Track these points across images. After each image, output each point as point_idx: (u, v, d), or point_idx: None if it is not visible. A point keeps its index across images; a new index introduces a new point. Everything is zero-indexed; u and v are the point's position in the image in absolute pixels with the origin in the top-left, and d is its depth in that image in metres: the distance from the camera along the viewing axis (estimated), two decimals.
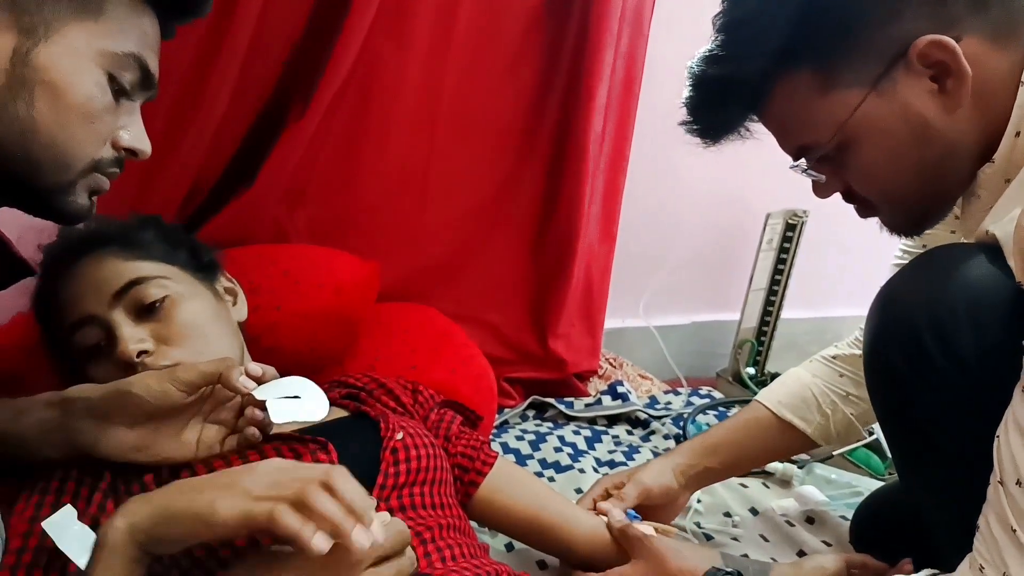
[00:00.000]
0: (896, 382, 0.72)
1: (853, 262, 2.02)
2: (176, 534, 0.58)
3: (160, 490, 0.62)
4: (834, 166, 0.78)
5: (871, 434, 1.45)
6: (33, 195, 0.63)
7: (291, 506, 0.55)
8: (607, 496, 1.03)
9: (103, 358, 0.78)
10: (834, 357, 1.11)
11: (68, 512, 0.69)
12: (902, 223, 0.81)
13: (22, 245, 0.59)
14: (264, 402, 0.73)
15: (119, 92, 0.65)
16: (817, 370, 1.10)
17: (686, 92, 0.81)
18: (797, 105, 0.75)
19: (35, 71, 0.59)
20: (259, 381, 0.73)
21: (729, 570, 0.79)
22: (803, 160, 0.79)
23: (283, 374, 0.78)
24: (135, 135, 0.67)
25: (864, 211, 0.81)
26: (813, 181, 0.81)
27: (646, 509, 1.03)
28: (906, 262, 0.82)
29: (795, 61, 0.73)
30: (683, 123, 0.82)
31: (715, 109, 0.80)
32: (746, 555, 1.05)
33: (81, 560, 0.66)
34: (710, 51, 0.78)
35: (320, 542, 0.54)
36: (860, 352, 0.84)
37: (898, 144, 0.73)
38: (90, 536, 0.69)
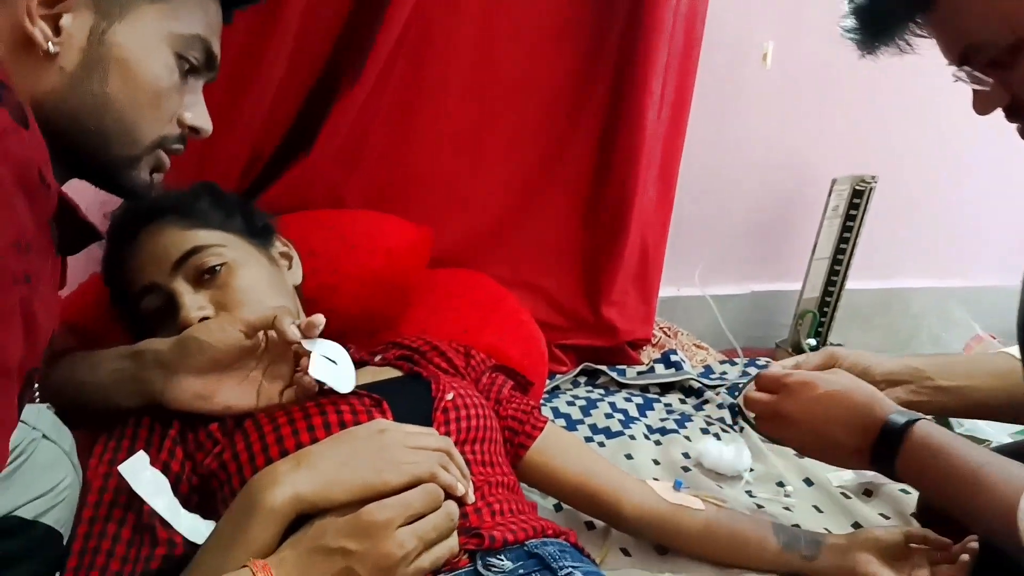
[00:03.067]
0: None
1: (924, 230, 1.95)
2: (339, 499, 0.66)
3: (307, 460, 0.68)
4: (1005, 70, 0.71)
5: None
6: (100, 168, 0.67)
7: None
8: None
9: (167, 322, 0.83)
10: None
11: (141, 457, 0.74)
12: None
13: (89, 215, 0.63)
14: (309, 353, 0.77)
15: (185, 72, 0.68)
16: None
17: None
18: None
19: (110, 49, 0.62)
20: (307, 335, 0.77)
21: (910, 418, 0.74)
22: (966, 67, 0.73)
23: (338, 337, 0.82)
24: (198, 114, 0.71)
25: None
26: (975, 92, 0.75)
27: None
28: None
29: None
30: (843, 20, 0.77)
31: (882, 5, 0.75)
32: (797, 525, 1.04)
33: (155, 502, 0.71)
34: None
35: (471, 493, 0.73)
36: None
37: None
38: (162, 480, 0.74)
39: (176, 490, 0.75)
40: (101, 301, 0.94)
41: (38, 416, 0.68)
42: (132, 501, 0.72)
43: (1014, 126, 0.76)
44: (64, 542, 0.69)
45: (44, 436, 0.68)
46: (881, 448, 0.76)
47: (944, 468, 0.70)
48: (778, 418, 0.88)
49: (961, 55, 0.74)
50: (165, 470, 0.76)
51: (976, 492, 0.67)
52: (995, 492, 0.65)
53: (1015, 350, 0.95)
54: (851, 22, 0.77)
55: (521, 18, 1.28)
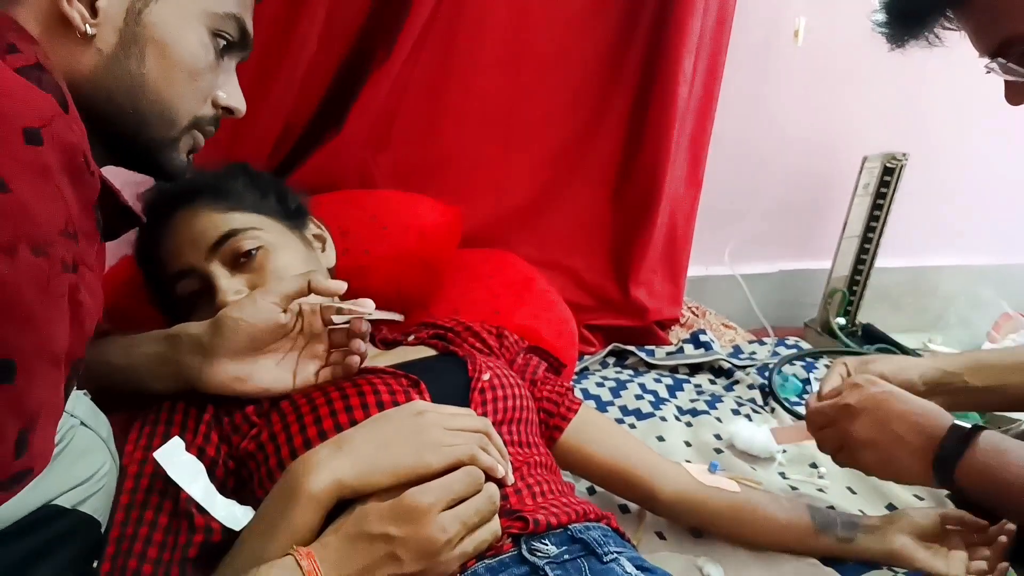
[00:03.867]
0: None
1: (954, 209, 1.91)
2: (380, 483, 0.65)
3: (347, 445, 0.67)
4: None
5: None
6: (137, 150, 0.66)
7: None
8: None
9: (203, 306, 0.82)
10: None
11: (176, 443, 0.73)
12: None
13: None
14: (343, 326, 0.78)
15: (220, 51, 0.67)
16: None
17: None
18: None
19: (146, 29, 0.61)
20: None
21: (970, 426, 0.73)
22: (1000, 59, 0.72)
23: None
24: (232, 93, 0.70)
25: None
26: (1008, 83, 0.74)
27: None
28: None
29: None
30: (874, 14, 0.77)
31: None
32: (832, 507, 1.03)
33: (191, 489, 0.70)
34: None
35: (510, 474, 0.71)
36: None
37: None
38: (197, 465, 0.73)
39: (212, 475, 0.74)
40: (134, 283, 0.93)
41: (75, 402, 0.67)
42: (168, 487, 0.71)
43: None
44: (102, 530, 0.68)
45: (82, 423, 0.67)
46: (945, 455, 0.75)
47: (1011, 475, 0.68)
48: (847, 448, 0.85)
49: (996, 47, 0.73)
50: (200, 455, 0.75)
51: None
52: None
53: None
54: (882, 16, 0.76)
55: None
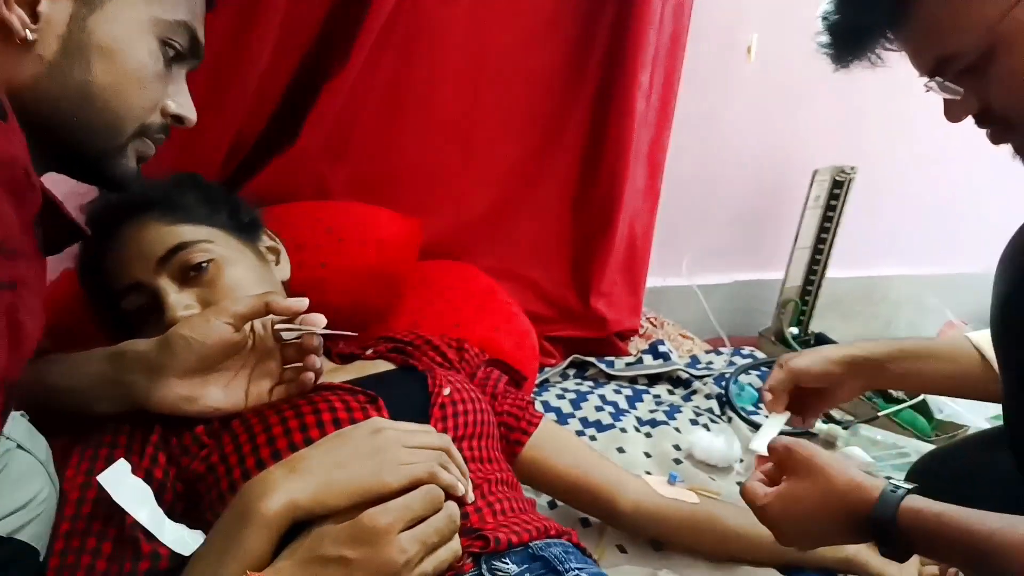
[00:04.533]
0: None
1: (903, 221, 1.97)
2: (336, 504, 0.62)
3: (301, 465, 0.64)
4: (976, 78, 0.73)
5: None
6: (83, 160, 0.64)
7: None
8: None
9: (151, 322, 0.79)
10: None
11: (122, 466, 0.70)
12: None
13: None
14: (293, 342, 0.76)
15: (170, 60, 0.66)
16: None
17: (825, 3, 0.78)
18: (945, 8, 0.71)
19: (91, 37, 0.59)
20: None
21: (911, 486, 0.70)
22: (937, 78, 0.75)
23: (328, 327, 0.78)
24: (182, 103, 0.68)
25: (999, 135, 0.77)
26: (947, 102, 0.76)
27: (806, 395, 0.99)
28: None
29: None
30: (817, 36, 0.78)
31: (855, 19, 0.76)
32: None
33: (138, 513, 0.67)
34: None
35: (470, 492, 0.69)
36: None
37: None
38: (144, 489, 0.70)
39: (160, 499, 0.71)
40: (76, 299, 0.89)
41: (12, 425, 0.63)
42: (113, 513, 0.68)
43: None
44: (41, 558, 0.65)
45: (18, 446, 0.64)
46: (880, 540, 0.72)
47: (948, 543, 0.66)
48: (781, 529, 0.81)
49: (933, 66, 0.75)
50: (148, 478, 0.72)
51: (990, 561, 0.64)
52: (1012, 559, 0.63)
53: (978, 335, 0.99)
54: (825, 38, 0.78)
55: (511, 8, 1.26)
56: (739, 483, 1.14)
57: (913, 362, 1.00)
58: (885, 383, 1.05)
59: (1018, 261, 0.70)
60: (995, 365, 0.92)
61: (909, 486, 0.71)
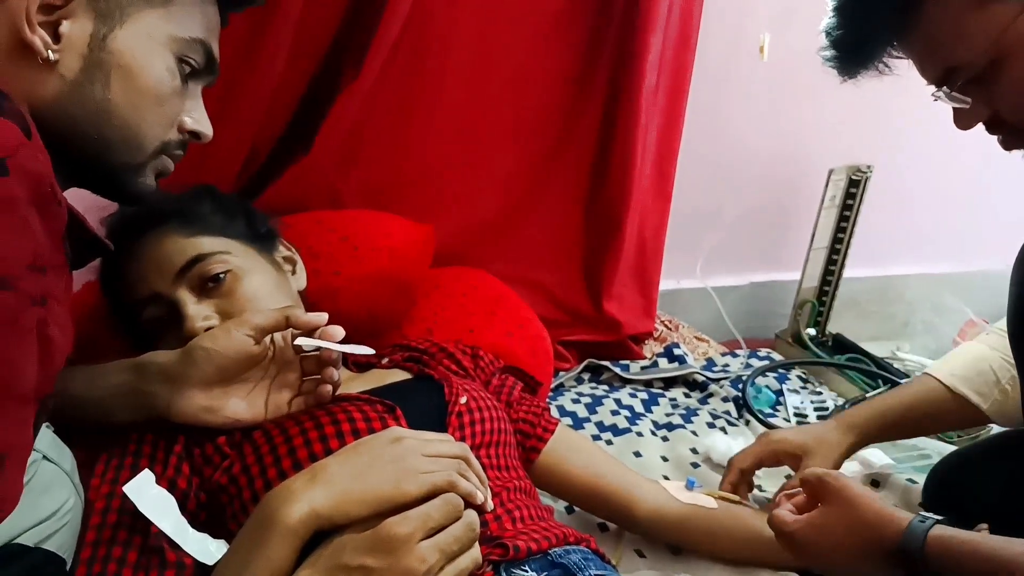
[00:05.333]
0: None
1: (919, 219, 1.95)
2: (357, 513, 0.63)
3: (322, 474, 0.64)
4: (984, 87, 0.74)
5: None
6: (103, 175, 0.65)
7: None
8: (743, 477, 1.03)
9: (171, 333, 0.80)
10: None
11: (147, 476, 0.71)
12: None
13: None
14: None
15: (186, 76, 0.67)
16: (995, 342, 1.02)
17: (827, 18, 0.78)
18: (949, 21, 0.72)
19: (111, 55, 0.61)
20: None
21: (938, 518, 0.72)
22: (944, 88, 0.75)
23: (345, 338, 0.79)
24: (198, 119, 0.69)
25: (1010, 142, 0.77)
26: (956, 109, 0.77)
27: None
28: None
29: None
30: (822, 51, 0.79)
31: (859, 33, 0.77)
32: None
33: (162, 523, 0.68)
34: None
35: (490, 500, 0.68)
36: None
37: None
38: (168, 499, 0.71)
39: (183, 508, 0.72)
40: (98, 310, 0.90)
41: (38, 436, 0.64)
42: (137, 522, 0.69)
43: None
44: (67, 568, 0.66)
45: (44, 457, 0.65)
46: (908, 570, 0.74)
47: (975, 570, 0.68)
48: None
49: (940, 76, 0.76)
50: (171, 488, 0.73)
51: None
52: None
53: (938, 366, 1.04)
54: (830, 52, 0.79)
55: (519, 13, 1.26)
56: (758, 486, 1.14)
57: (903, 432, 1.06)
58: (878, 440, 1.08)
59: None
60: (963, 393, 0.99)
61: (937, 517, 0.72)
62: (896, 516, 0.73)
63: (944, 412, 1.02)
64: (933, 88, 0.77)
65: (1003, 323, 0.99)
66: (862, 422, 1.03)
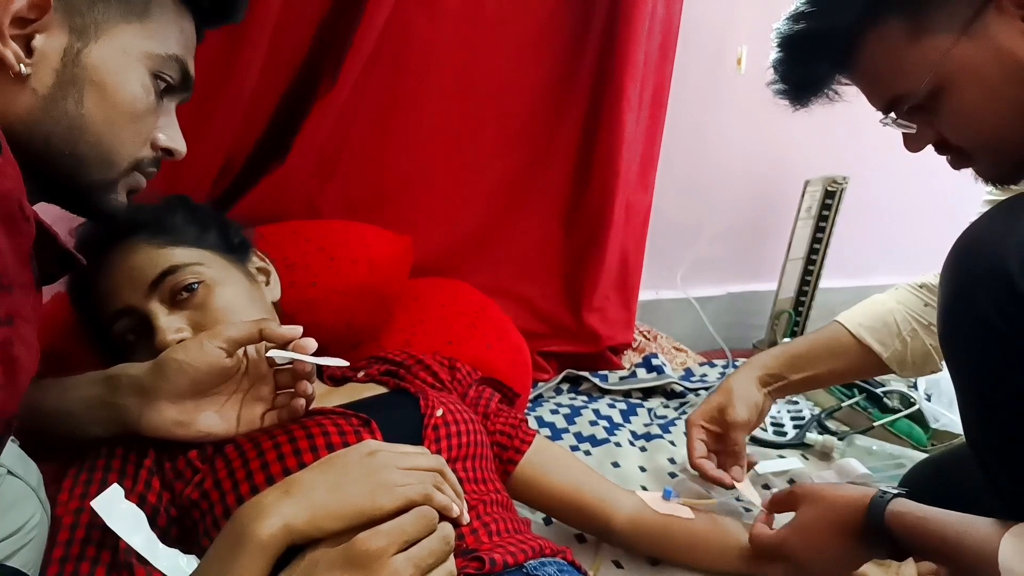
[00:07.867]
0: (986, 330, 0.66)
1: (894, 230, 1.97)
2: (330, 527, 0.61)
3: (295, 488, 0.63)
4: (927, 115, 0.76)
5: (927, 398, 1.43)
6: (75, 192, 0.64)
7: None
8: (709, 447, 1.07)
9: (142, 345, 0.79)
10: (921, 286, 1.11)
11: (116, 491, 0.69)
12: (998, 171, 0.79)
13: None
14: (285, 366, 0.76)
15: (161, 93, 0.66)
16: (902, 297, 1.10)
17: (773, 53, 0.81)
18: (888, 55, 0.75)
19: (85, 70, 0.60)
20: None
21: (897, 491, 0.76)
22: (892, 114, 0.78)
23: (320, 350, 0.78)
24: (172, 136, 0.69)
25: (958, 162, 0.79)
26: (905, 134, 0.80)
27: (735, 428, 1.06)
28: None
29: (884, 10, 0.74)
30: (771, 84, 0.82)
31: (804, 68, 0.80)
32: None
33: (131, 539, 0.67)
34: (797, 9, 0.78)
35: (465, 513, 0.67)
36: None
37: (992, 87, 0.71)
38: (138, 514, 0.70)
39: (153, 524, 0.70)
40: (68, 322, 0.89)
41: (3, 451, 0.63)
42: (106, 538, 0.68)
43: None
44: None
45: (9, 472, 0.63)
46: (875, 543, 0.78)
47: (927, 544, 0.72)
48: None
49: (886, 105, 0.79)
50: (141, 503, 0.71)
51: (959, 560, 0.70)
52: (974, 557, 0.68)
53: (848, 316, 1.11)
54: (779, 85, 0.82)
55: (500, 25, 1.26)
56: (736, 497, 1.15)
57: (808, 368, 1.10)
58: (788, 393, 1.14)
59: (961, 266, 0.71)
60: (867, 341, 1.07)
61: (897, 491, 0.76)
62: (860, 494, 0.78)
63: (847, 357, 1.08)
64: (881, 116, 0.80)
65: (918, 279, 1.12)
66: (770, 360, 1.10)
